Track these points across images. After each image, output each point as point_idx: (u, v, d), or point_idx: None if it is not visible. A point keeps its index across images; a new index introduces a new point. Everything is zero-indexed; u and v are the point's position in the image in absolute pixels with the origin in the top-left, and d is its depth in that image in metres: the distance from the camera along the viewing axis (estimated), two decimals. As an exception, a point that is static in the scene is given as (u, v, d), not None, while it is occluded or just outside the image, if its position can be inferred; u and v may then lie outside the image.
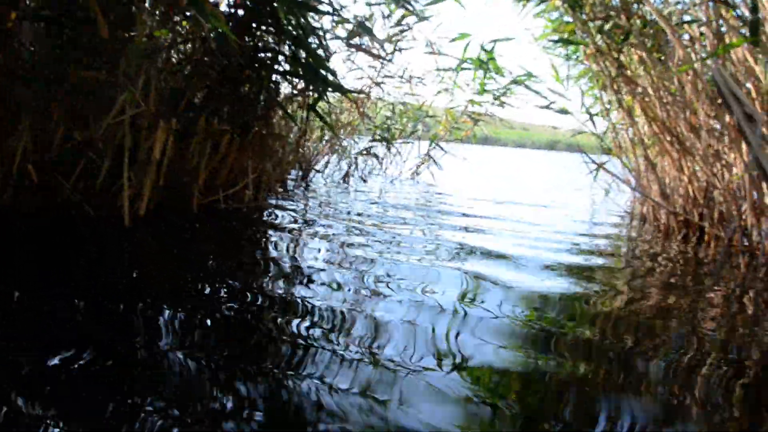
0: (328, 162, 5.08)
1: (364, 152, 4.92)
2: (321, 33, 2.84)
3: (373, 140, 4.95)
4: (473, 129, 5.23)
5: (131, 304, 1.31)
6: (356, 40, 3.25)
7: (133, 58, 1.97)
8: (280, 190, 3.65)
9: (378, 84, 4.56)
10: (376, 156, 5.13)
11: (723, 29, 2.80)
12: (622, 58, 3.35)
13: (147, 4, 1.95)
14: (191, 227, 2.33)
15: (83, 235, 1.96)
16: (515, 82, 4.75)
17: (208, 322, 1.23)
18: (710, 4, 2.70)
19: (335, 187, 4.22)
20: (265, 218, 2.72)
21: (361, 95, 4.50)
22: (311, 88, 2.91)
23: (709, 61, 2.76)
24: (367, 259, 2.00)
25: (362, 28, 2.96)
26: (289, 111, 3.33)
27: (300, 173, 4.62)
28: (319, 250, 2.06)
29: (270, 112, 3.03)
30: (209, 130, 2.77)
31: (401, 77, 4.62)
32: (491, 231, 2.81)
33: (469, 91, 4.88)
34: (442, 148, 5.35)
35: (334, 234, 2.41)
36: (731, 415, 1.01)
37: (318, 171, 4.97)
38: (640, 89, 3.18)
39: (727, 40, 2.71)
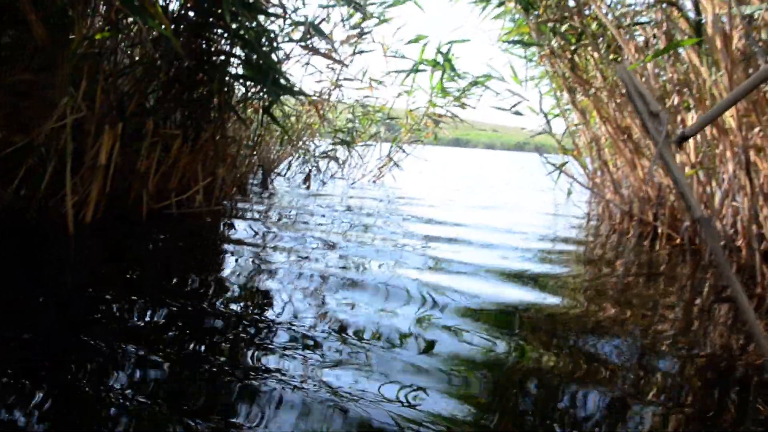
0: (290, 164, 5.04)
1: (325, 155, 4.90)
2: (274, 35, 2.79)
3: (334, 143, 4.92)
4: (434, 131, 5.23)
5: (61, 322, 1.27)
6: (313, 42, 3.22)
7: (71, 61, 1.92)
8: (238, 196, 3.61)
9: (337, 86, 4.53)
10: (336, 159, 5.10)
11: (673, 31, 2.84)
12: (577, 58, 3.38)
13: (85, 8, 1.90)
14: (138, 235, 2.28)
15: (22, 244, 1.91)
16: (475, 83, 4.76)
17: (146, 353, 1.15)
18: (664, 5, 2.74)
19: (296, 191, 4.19)
20: (217, 226, 2.68)
21: (320, 98, 4.47)
22: (264, 91, 2.88)
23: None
24: (324, 275, 1.91)
25: (315, 29, 2.93)
26: (244, 114, 3.29)
27: (260, 176, 4.57)
28: (273, 268, 1.94)
29: (223, 116, 2.99)
30: (159, 133, 2.72)
31: (361, 80, 4.60)
32: (452, 238, 2.79)
33: (430, 92, 4.87)
34: (403, 150, 5.34)
35: (290, 246, 2.30)
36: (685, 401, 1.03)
37: (279, 174, 4.93)
38: (593, 90, 3.21)
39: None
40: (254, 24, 2.72)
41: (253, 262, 2.00)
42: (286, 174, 5.02)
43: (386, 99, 5.20)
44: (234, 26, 2.57)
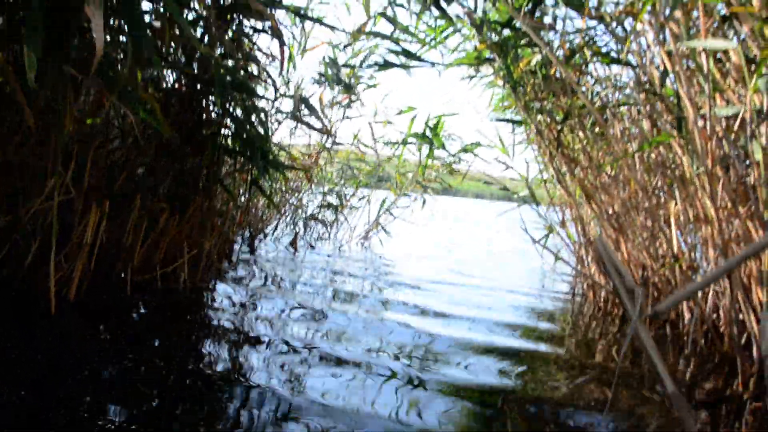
0: (276, 225, 5.05)
1: (312, 218, 4.91)
2: (264, 111, 2.83)
3: (321, 206, 4.95)
4: (422, 195, 5.29)
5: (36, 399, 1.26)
6: (302, 114, 3.27)
7: (61, 145, 1.93)
8: (224, 264, 3.60)
9: (327, 149, 4.57)
10: (324, 222, 5.12)
11: (656, 117, 2.91)
12: (563, 136, 3.43)
13: (76, 97, 1.92)
14: (122, 312, 2.27)
15: (2, 322, 1.89)
16: (464, 150, 4.83)
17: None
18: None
19: (282, 254, 4.19)
20: (201, 297, 2.67)
21: (308, 162, 4.51)
22: (252, 165, 2.90)
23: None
24: (308, 347, 1.95)
25: (305, 104, 2.97)
26: (231, 186, 3.31)
27: (248, 238, 4.57)
28: (255, 341, 1.99)
29: (212, 188, 3.00)
30: (147, 207, 2.73)
31: (350, 144, 4.65)
32: (438, 312, 2.81)
33: (417, 169, 4.97)
34: (391, 214, 5.37)
35: (273, 316, 2.36)
36: None
37: (266, 234, 4.93)
38: (578, 169, 3.25)
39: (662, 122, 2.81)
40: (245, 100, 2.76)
41: (235, 334, 2.03)
42: (273, 234, 5.03)
43: (376, 161, 5.24)
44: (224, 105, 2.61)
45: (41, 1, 1.57)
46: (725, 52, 2.28)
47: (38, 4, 1.56)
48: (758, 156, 1.97)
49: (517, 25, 3.16)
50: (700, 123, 2.21)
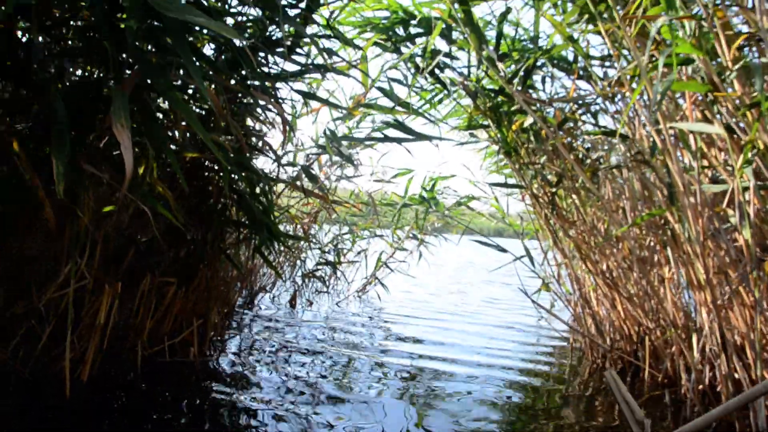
0: (274, 282, 5.10)
1: (310, 274, 4.98)
2: (266, 174, 2.92)
3: (319, 263, 5.02)
4: (419, 249, 5.38)
5: None
6: (302, 182, 3.37)
7: (81, 238, 2.01)
8: (227, 327, 3.65)
9: (325, 209, 4.66)
10: (322, 279, 5.19)
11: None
12: (557, 199, 3.54)
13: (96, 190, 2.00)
14: (134, 390, 2.33)
15: (15, 405, 1.94)
16: (459, 203, 4.93)
17: None
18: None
19: (281, 311, 4.24)
20: (211, 369, 2.72)
21: (307, 219, 4.60)
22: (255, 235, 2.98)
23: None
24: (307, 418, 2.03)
25: (307, 174, 3.07)
26: (234, 253, 3.38)
27: (248, 295, 4.63)
28: (254, 409, 2.08)
29: (216, 258, 3.07)
30: (155, 282, 2.79)
31: (348, 202, 4.75)
32: (436, 370, 2.88)
33: (414, 227, 5.11)
34: (389, 267, 5.45)
35: (273, 384, 2.44)
36: None
37: (266, 290, 4.98)
38: (573, 231, 3.35)
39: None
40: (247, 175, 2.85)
41: (238, 403, 2.11)
42: (272, 290, 5.08)
43: (372, 215, 5.34)
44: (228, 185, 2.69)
45: (67, 115, 1.65)
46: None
47: (65, 119, 1.64)
48: (747, 235, 2.07)
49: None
50: (691, 199, 2.31)
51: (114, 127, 1.44)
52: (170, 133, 2.30)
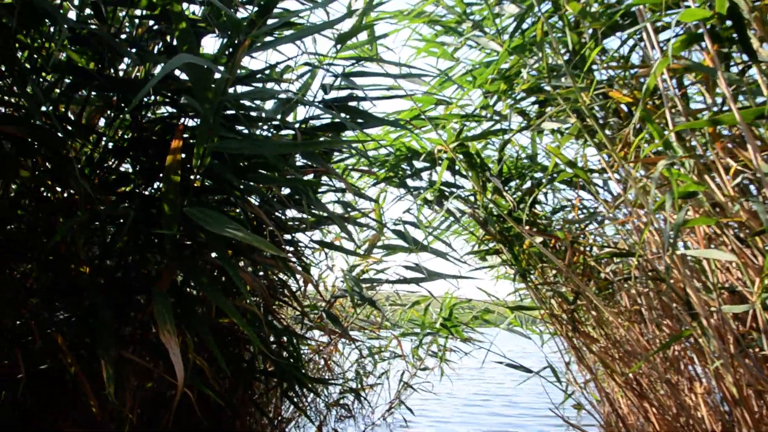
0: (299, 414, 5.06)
1: (335, 404, 4.95)
2: (291, 334, 2.98)
3: (343, 392, 5.00)
4: (440, 365, 5.37)
5: None
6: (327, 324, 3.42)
7: (118, 421, 2.04)
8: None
9: (344, 335, 4.68)
10: (346, 407, 5.15)
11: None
12: (576, 313, 3.58)
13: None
14: None
15: None
16: (476, 317, 4.96)
17: None
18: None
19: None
20: None
21: (328, 349, 4.62)
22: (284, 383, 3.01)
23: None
24: None
25: (330, 318, 3.13)
26: (264, 402, 3.39)
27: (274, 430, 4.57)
28: None
29: (245, 409, 3.09)
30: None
31: (365, 328, 4.79)
32: None
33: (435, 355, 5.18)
34: (412, 387, 5.41)
35: None
36: None
37: (291, 421, 4.93)
38: (595, 347, 3.37)
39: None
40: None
41: None
42: (296, 423, 5.02)
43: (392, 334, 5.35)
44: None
45: (110, 313, 1.73)
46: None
47: (109, 318, 1.72)
48: (775, 357, 2.11)
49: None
50: (712, 321, 2.36)
51: (161, 335, 1.51)
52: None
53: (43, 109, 1.88)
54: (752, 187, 2.39)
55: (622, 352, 3.42)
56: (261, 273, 2.99)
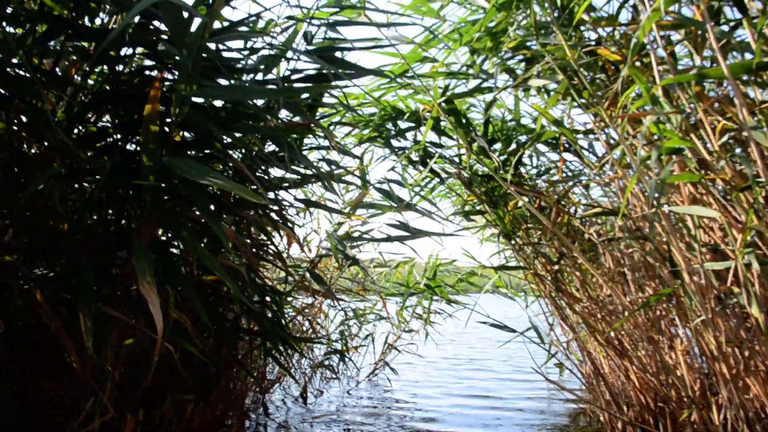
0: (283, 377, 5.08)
1: (319, 365, 4.97)
2: (275, 292, 2.96)
3: (327, 353, 5.02)
4: (424, 328, 5.40)
5: None
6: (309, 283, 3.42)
7: (100, 376, 2.03)
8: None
9: (328, 295, 4.68)
10: (331, 368, 5.18)
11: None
12: (560, 273, 3.60)
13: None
14: None
15: None
16: (461, 280, 4.99)
17: None
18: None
19: (293, 409, 4.22)
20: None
21: (312, 310, 4.63)
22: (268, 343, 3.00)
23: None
24: None
25: (313, 276, 3.12)
26: (247, 361, 3.39)
27: (258, 391, 4.60)
28: None
29: (230, 369, 3.08)
30: (174, 400, 2.79)
31: (350, 290, 4.79)
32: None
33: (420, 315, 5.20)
34: (397, 349, 5.45)
35: None
36: None
37: (276, 382, 4.95)
38: (578, 307, 3.39)
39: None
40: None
41: None
42: (281, 384, 5.05)
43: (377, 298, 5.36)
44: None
45: (91, 268, 1.70)
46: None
47: (89, 272, 1.69)
48: (756, 312, 2.12)
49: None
50: (695, 278, 2.37)
51: (140, 286, 1.49)
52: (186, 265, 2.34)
53: (15, 61, 1.82)
54: (738, 151, 2.39)
55: (605, 312, 3.44)
56: (245, 233, 2.97)
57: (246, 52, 2.14)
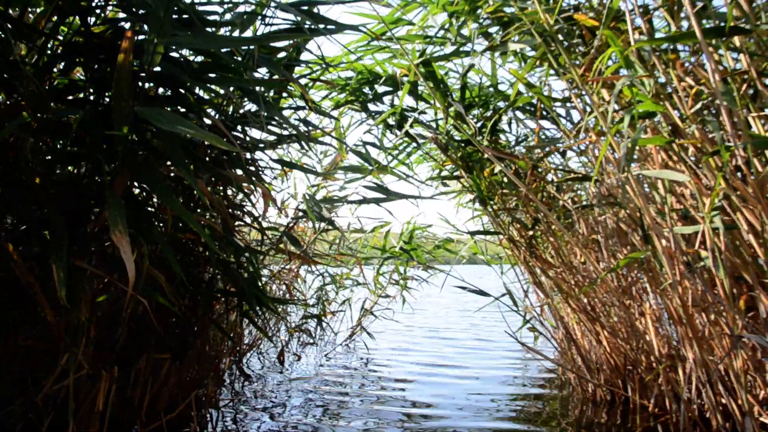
0: (261, 338, 5.11)
1: (297, 329, 5.01)
2: (250, 251, 2.97)
3: (305, 317, 5.05)
4: (401, 293, 5.45)
5: None
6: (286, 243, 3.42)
7: (74, 332, 2.03)
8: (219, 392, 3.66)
9: (304, 258, 4.70)
10: (308, 332, 5.22)
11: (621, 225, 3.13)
12: (535, 238, 3.64)
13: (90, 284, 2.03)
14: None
15: None
16: (437, 247, 5.02)
17: None
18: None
19: (270, 373, 4.26)
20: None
21: (290, 275, 4.64)
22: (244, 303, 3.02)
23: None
24: None
25: (289, 238, 3.12)
26: (224, 322, 3.41)
27: (236, 354, 4.63)
28: None
29: (206, 329, 3.10)
30: (150, 359, 2.80)
31: (327, 255, 4.81)
32: (425, 414, 2.92)
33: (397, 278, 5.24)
34: (373, 314, 5.50)
35: None
36: None
37: (253, 347, 4.98)
38: (552, 272, 3.44)
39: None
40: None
41: None
42: (258, 348, 5.08)
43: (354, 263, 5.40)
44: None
45: (62, 219, 1.69)
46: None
47: (61, 224, 1.68)
48: (722, 275, 2.17)
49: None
50: (663, 242, 2.42)
51: (112, 235, 1.49)
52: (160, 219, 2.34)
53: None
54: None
55: (578, 278, 3.50)
56: (221, 194, 2.96)
57: (222, 8, 2.12)
